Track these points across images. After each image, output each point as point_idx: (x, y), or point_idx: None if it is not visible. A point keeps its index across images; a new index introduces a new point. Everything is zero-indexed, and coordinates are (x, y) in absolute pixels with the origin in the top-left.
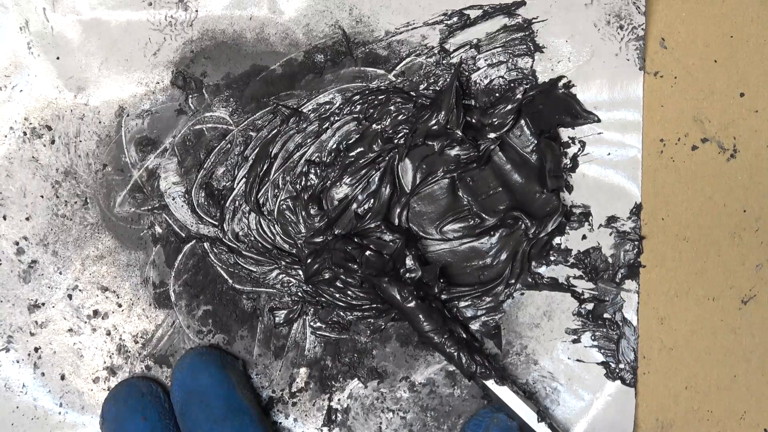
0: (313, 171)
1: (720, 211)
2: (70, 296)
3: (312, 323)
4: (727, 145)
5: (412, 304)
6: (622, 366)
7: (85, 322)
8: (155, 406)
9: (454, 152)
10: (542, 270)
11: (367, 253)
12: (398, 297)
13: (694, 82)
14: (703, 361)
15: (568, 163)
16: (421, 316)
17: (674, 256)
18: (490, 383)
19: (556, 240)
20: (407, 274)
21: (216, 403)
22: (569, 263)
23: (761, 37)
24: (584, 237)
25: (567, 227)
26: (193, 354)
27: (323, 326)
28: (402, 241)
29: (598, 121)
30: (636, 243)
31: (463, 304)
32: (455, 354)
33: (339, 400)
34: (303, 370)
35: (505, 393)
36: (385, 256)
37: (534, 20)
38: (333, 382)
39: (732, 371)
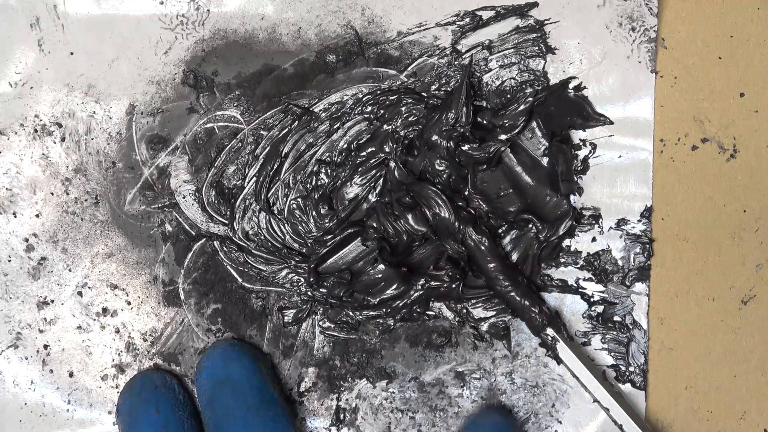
0: (323, 170)
1: (720, 211)
2: (79, 293)
3: (321, 323)
4: (727, 145)
5: (484, 243)
6: (632, 369)
7: (94, 320)
8: (169, 398)
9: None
10: (552, 272)
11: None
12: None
13: (694, 82)
14: (703, 361)
15: (579, 165)
16: (489, 257)
17: (674, 256)
18: (560, 347)
19: (566, 242)
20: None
21: (250, 393)
22: (579, 265)
23: (761, 37)
24: (594, 239)
25: (577, 230)
26: (225, 344)
27: (332, 326)
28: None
29: (610, 123)
30: (646, 245)
31: (473, 304)
32: (520, 303)
33: (347, 399)
34: (311, 370)
35: (571, 350)
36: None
37: (546, 21)
38: (341, 382)
39: (732, 371)
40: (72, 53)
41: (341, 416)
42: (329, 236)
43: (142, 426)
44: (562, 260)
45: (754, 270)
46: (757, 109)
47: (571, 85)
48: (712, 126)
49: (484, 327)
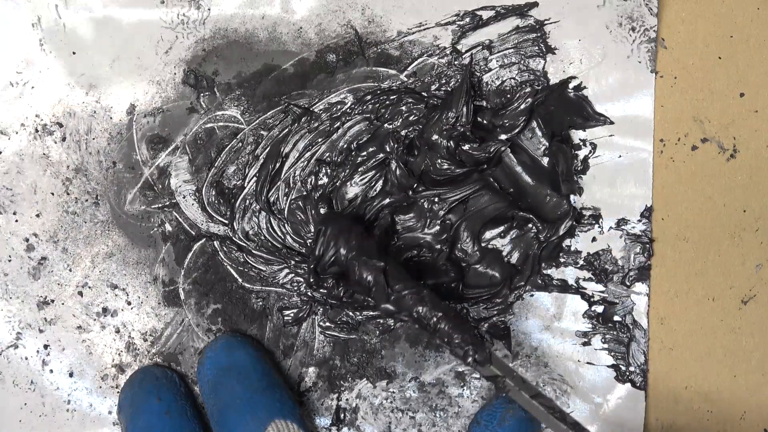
0: (323, 170)
1: (720, 211)
2: (79, 293)
3: (321, 323)
4: (727, 145)
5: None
6: (632, 369)
7: (95, 320)
8: (170, 388)
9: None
10: (552, 272)
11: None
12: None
13: (694, 82)
14: (703, 361)
15: (579, 165)
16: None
17: (674, 256)
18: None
19: (566, 242)
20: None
21: (255, 377)
22: (579, 265)
23: (761, 37)
24: (594, 239)
25: (577, 229)
26: (227, 336)
27: (332, 326)
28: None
29: (610, 123)
30: (646, 245)
31: (473, 304)
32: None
33: (348, 399)
34: (312, 370)
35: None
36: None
37: (546, 21)
38: (342, 382)
39: (732, 371)
40: (73, 53)
41: (341, 416)
42: None
43: (144, 414)
44: (562, 260)
45: (754, 270)
46: (757, 109)
47: (571, 85)
48: (712, 126)
49: (485, 327)
